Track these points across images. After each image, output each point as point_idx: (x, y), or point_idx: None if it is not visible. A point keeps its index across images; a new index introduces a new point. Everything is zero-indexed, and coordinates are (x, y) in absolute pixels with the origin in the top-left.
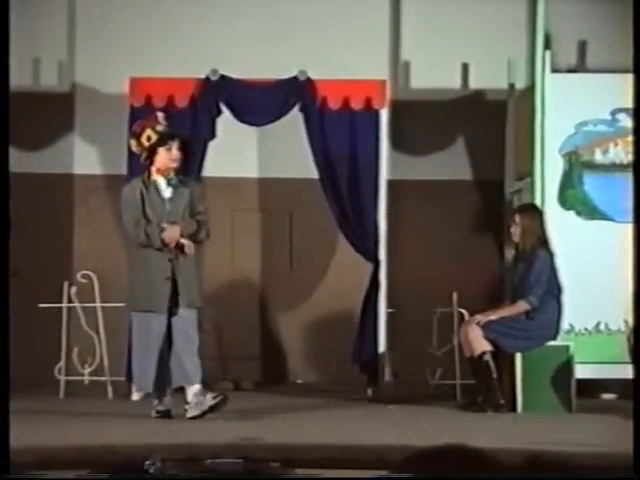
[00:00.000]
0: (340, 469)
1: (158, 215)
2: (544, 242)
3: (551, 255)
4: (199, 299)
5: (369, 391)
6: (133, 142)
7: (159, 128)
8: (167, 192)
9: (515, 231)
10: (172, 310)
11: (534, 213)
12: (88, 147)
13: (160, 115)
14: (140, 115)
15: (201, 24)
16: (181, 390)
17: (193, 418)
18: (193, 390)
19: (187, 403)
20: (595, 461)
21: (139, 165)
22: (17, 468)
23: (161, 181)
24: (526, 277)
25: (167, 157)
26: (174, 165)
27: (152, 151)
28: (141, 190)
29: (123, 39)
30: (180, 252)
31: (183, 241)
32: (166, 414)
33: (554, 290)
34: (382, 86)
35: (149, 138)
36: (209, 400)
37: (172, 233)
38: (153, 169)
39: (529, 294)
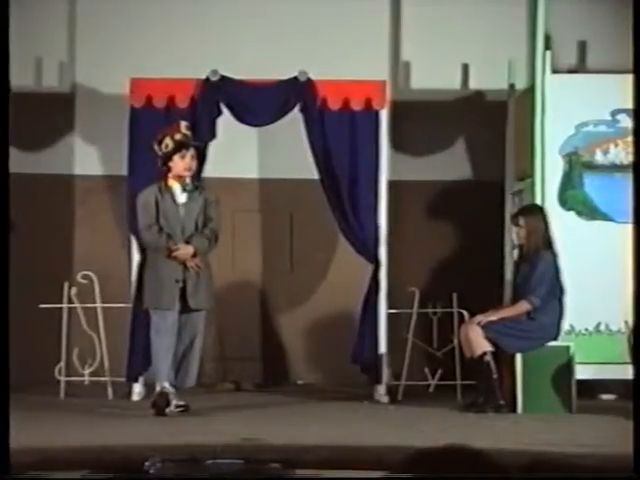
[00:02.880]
0: (340, 470)
1: (171, 221)
2: (548, 243)
3: (555, 256)
4: (207, 301)
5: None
6: (156, 148)
7: (177, 137)
8: (182, 198)
9: (519, 233)
10: (183, 309)
11: (538, 214)
12: (88, 148)
13: (183, 124)
14: (140, 116)
15: (201, 24)
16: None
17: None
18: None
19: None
20: (595, 462)
21: (140, 166)
22: (17, 468)
23: (177, 187)
24: (529, 278)
25: (181, 165)
26: (188, 173)
27: (167, 158)
28: (156, 196)
29: (124, 39)
30: (184, 268)
31: (193, 262)
32: (161, 411)
33: (556, 291)
34: (382, 87)
35: (167, 146)
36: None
37: (185, 253)
38: (170, 175)
39: (531, 294)
